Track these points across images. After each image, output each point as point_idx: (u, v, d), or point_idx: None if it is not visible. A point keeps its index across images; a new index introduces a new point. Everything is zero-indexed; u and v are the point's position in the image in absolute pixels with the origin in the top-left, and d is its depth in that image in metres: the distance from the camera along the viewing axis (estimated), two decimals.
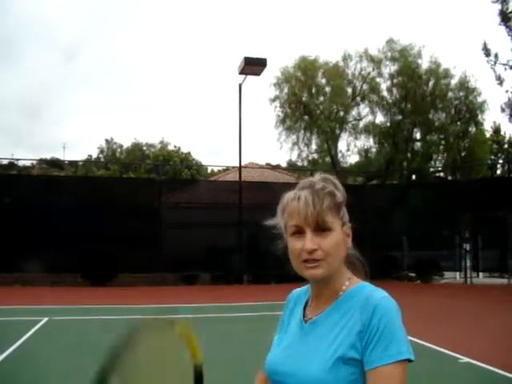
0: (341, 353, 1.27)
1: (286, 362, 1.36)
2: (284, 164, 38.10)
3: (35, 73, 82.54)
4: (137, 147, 50.66)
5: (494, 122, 39.37)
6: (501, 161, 37.69)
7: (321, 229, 1.32)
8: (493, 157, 37.53)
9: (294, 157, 26.70)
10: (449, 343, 7.88)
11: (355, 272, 1.45)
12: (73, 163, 28.99)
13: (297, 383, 1.31)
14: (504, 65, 20.09)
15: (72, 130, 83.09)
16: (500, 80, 20.33)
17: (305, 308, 1.47)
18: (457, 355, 7.14)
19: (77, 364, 6.75)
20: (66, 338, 8.70)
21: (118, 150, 54.09)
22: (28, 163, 42.42)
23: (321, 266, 1.32)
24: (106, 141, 54.55)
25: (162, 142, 48.89)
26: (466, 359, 6.90)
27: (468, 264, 20.02)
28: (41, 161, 43.06)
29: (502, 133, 40.31)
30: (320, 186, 1.36)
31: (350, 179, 28.33)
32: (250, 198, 18.19)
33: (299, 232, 1.33)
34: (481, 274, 20.86)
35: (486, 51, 20.32)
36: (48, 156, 49.36)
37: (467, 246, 20.15)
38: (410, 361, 1.25)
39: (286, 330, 1.48)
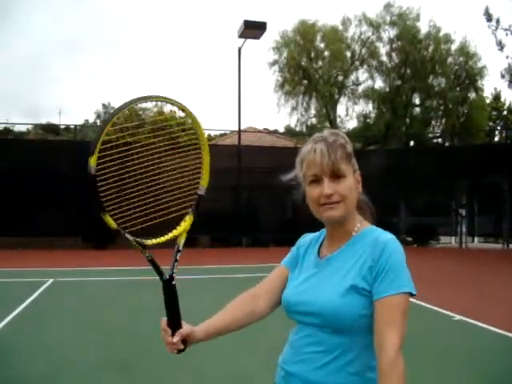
0: (354, 282, 1.45)
1: (303, 293, 1.54)
2: (282, 129, 38.05)
3: (29, 36, 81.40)
4: (133, 111, 50.26)
5: (495, 89, 39.21)
6: (499, 127, 37.64)
7: (336, 176, 1.49)
8: (491, 123, 37.47)
9: (292, 121, 26.78)
10: (443, 302, 8.14)
11: (365, 216, 1.63)
12: (69, 128, 28.86)
13: (314, 310, 1.48)
14: (506, 30, 19.96)
15: (68, 95, 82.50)
16: (501, 45, 20.18)
17: (319, 249, 1.64)
18: (450, 313, 7.39)
19: (84, 322, 6.99)
20: (72, 298, 8.92)
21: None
22: (23, 128, 42.29)
23: (338, 208, 1.50)
24: (103, 105, 54.16)
25: (156, 105, 48.54)
26: (458, 317, 7.17)
27: (464, 229, 20.27)
28: (36, 126, 42.80)
29: (502, 99, 40.14)
30: (332, 139, 1.53)
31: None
32: (248, 162, 18.28)
33: (317, 180, 1.51)
34: (476, 239, 21.16)
35: (488, 16, 20.12)
36: (44, 121, 49.10)
37: (463, 212, 20.37)
38: (412, 295, 1.44)
39: (300, 268, 1.65)
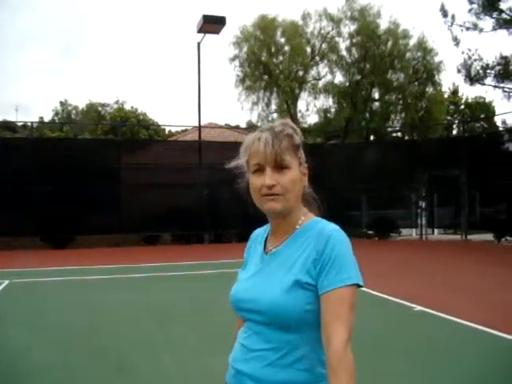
0: (297, 277, 1.39)
1: (248, 290, 1.48)
2: (243, 125, 38.01)
3: None
4: (92, 108, 49.37)
5: (453, 84, 40.08)
6: (457, 121, 38.47)
7: (279, 167, 1.43)
8: (449, 117, 38.28)
9: (254, 117, 26.70)
10: (403, 294, 8.21)
11: (310, 209, 1.56)
12: (26, 126, 28.15)
13: (259, 307, 1.42)
14: (460, 26, 20.29)
15: (24, 92, 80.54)
16: (456, 41, 20.53)
17: (265, 243, 1.58)
18: (411, 304, 7.47)
19: (40, 324, 6.79)
20: (28, 299, 8.68)
21: (74, 111, 52.79)
22: None
23: (279, 200, 1.43)
24: (61, 103, 53.14)
25: (117, 102, 47.91)
26: (419, 307, 7.24)
27: (424, 222, 20.62)
28: None
29: (460, 94, 41.10)
30: (279, 129, 1.47)
31: (310, 139, 28.50)
32: (209, 158, 18.14)
33: (260, 170, 1.44)
34: (436, 231, 21.57)
35: (444, 12, 20.44)
36: (0, 118, 47.78)
37: (423, 204, 20.71)
38: (359, 286, 1.38)
39: (248, 265, 1.60)
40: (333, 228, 1.44)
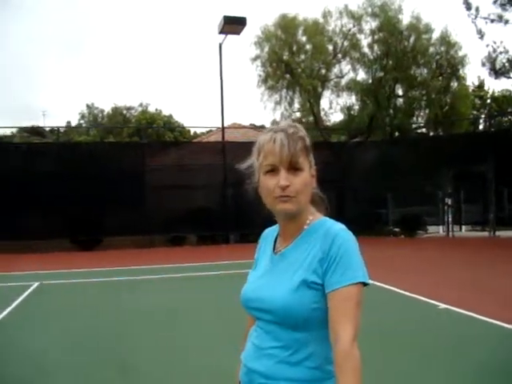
0: (304, 277, 1.43)
1: (257, 290, 1.53)
2: (268, 124, 38.02)
3: (10, 38, 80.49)
4: (117, 111, 50.00)
5: (478, 77, 39.33)
6: (483, 116, 37.79)
7: (293, 168, 1.46)
8: (475, 112, 37.60)
9: (277, 116, 26.69)
10: (428, 292, 8.16)
11: (318, 209, 1.60)
12: (54, 130, 28.67)
13: (267, 307, 1.47)
14: (485, 18, 19.96)
15: (51, 97, 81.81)
16: (481, 34, 20.19)
17: (275, 243, 1.62)
18: (436, 302, 7.42)
19: (69, 325, 6.94)
20: (58, 301, 8.86)
21: (100, 115, 53.41)
22: (8, 132, 41.86)
23: (292, 202, 1.47)
24: (87, 106, 53.79)
25: (141, 105, 48.40)
26: (443, 305, 7.19)
27: (450, 218, 20.38)
28: (21, 129, 42.41)
29: (486, 88, 40.27)
30: (292, 131, 1.50)
31: (334, 137, 28.43)
32: (233, 159, 18.22)
33: (273, 170, 1.47)
34: (463, 228, 21.29)
35: (467, 5, 20.13)
36: (28, 124, 48.64)
37: (449, 201, 20.48)
38: (365, 284, 1.42)
39: (258, 265, 1.65)
40: (339, 227, 1.48)
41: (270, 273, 1.55)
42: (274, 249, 1.61)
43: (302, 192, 1.47)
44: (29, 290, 9.70)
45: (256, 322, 1.57)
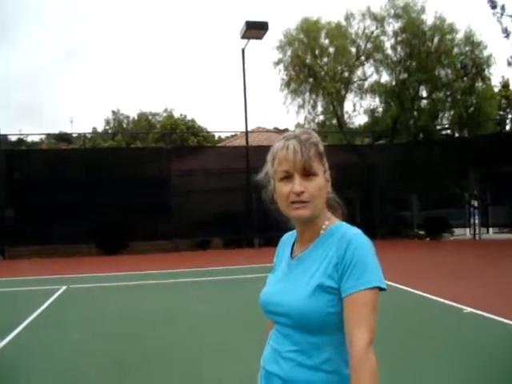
0: (320, 281, 1.46)
1: (275, 294, 1.57)
2: (292, 128, 37.99)
3: (36, 48, 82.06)
4: (142, 117, 50.63)
5: (503, 77, 38.70)
6: (510, 116, 37.15)
7: (307, 174, 1.49)
8: (501, 112, 36.98)
9: (300, 120, 26.68)
10: (453, 295, 8.08)
11: (334, 213, 1.63)
12: (81, 136, 29.15)
13: (284, 310, 1.51)
14: (511, 17, 19.72)
15: (77, 104, 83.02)
16: (507, 33, 19.94)
17: (292, 248, 1.66)
18: (461, 306, 7.35)
19: (97, 328, 7.06)
20: (85, 304, 9.01)
21: (125, 120, 54.09)
22: (36, 138, 42.69)
23: (307, 207, 1.50)
24: (113, 112, 54.54)
25: (166, 110, 48.91)
26: (469, 309, 7.12)
27: (477, 220, 20.08)
28: (49, 135, 43.23)
29: (511, 87, 39.60)
30: (305, 137, 1.53)
31: (358, 140, 28.26)
32: (257, 162, 18.24)
33: (288, 177, 1.51)
34: (490, 230, 20.93)
35: (492, 3, 19.89)
36: (56, 131, 49.51)
37: (476, 203, 20.19)
38: (381, 289, 1.43)
39: (277, 269, 1.69)
40: (354, 232, 1.50)
41: (287, 277, 1.58)
42: (291, 253, 1.64)
43: (316, 197, 1.50)
44: (57, 294, 9.89)
45: (274, 326, 1.61)
